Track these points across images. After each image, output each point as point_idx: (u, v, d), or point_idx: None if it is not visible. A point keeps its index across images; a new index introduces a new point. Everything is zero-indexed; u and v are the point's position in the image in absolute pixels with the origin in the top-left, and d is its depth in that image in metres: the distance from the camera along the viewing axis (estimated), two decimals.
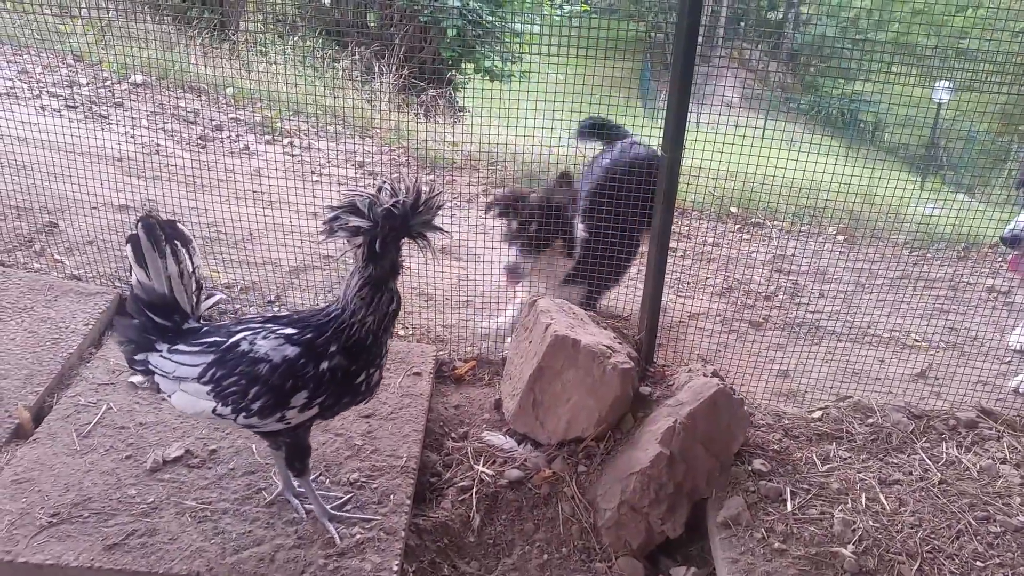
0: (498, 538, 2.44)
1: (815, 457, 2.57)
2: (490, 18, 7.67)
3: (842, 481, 2.46)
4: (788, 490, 2.40)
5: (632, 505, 2.44)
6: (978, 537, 2.30)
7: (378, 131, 5.24)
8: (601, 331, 2.90)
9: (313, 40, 7.11)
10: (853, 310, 3.95)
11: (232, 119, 5.45)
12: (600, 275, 3.26)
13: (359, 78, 6.13)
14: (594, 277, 3.26)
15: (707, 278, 4.31)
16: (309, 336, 1.88)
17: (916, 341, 3.74)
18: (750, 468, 2.50)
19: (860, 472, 2.51)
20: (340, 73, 6.06)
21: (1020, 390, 3.28)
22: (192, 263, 1.96)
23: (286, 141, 5.17)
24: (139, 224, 1.87)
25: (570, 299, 3.21)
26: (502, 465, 2.63)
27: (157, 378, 1.97)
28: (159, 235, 1.88)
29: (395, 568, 2.11)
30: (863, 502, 2.38)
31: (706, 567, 2.38)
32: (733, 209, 5.04)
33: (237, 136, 5.21)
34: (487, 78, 7.86)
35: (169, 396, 1.97)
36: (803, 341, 3.60)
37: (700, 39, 2.40)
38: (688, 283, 4.22)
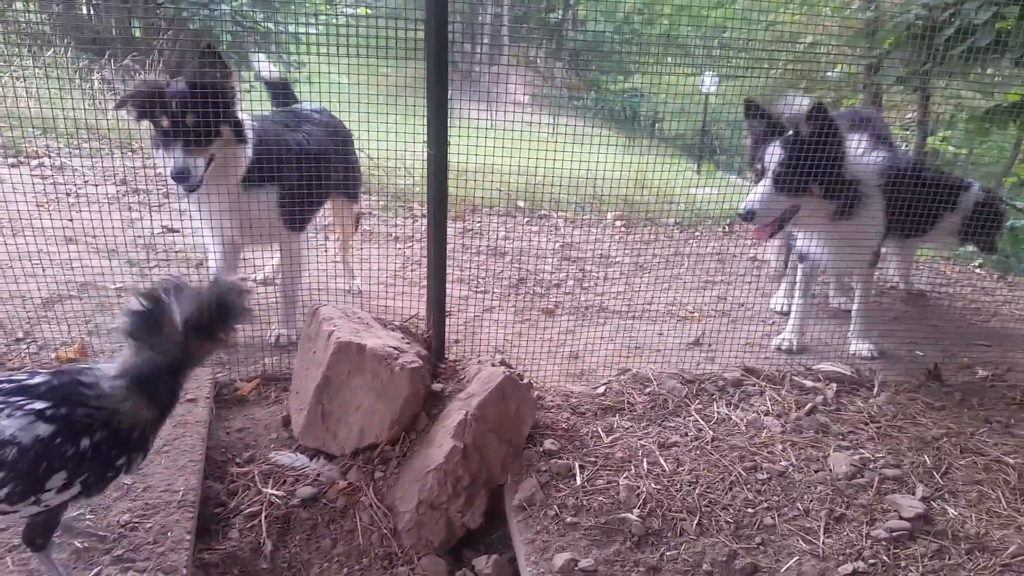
0: (293, 560, 2.32)
1: (600, 430, 2.67)
2: (267, 24, 7.37)
3: (625, 449, 2.58)
4: (577, 465, 2.48)
5: (431, 503, 2.42)
6: (748, 486, 2.49)
7: (142, 146, 4.86)
8: (388, 333, 2.85)
9: (66, 53, 6.48)
10: (634, 289, 4.19)
11: None
12: (292, 180, 3.05)
13: (121, 90, 5.65)
14: (284, 180, 3.03)
15: (501, 271, 4.39)
16: (65, 410, 1.66)
17: (690, 312, 4.03)
18: (541, 449, 2.55)
19: (641, 439, 2.65)
20: (95, 85, 5.55)
21: (781, 347, 3.61)
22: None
23: (35, 163, 4.66)
24: None
25: (259, 210, 3.02)
26: (293, 484, 2.51)
27: None
28: None
29: None
30: (645, 467, 2.50)
31: (508, 552, 2.40)
32: (520, 203, 5.18)
33: None
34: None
35: None
36: (591, 323, 3.76)
37: (451, 35, 2.42)
38: (483, 278, 4.28)
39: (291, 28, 7.04)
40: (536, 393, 2.76)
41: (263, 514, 2.37)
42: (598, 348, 3.37)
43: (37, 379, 1.71)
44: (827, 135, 3.09)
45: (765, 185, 3.20)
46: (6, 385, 1.70)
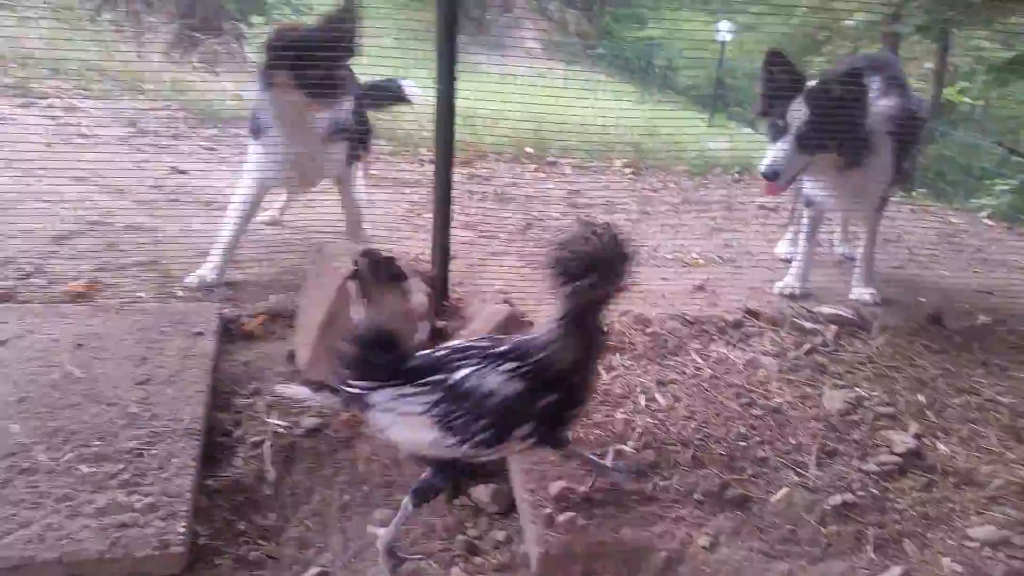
0: (296, 487, 2.39)
1: (600, 368, 2.71)
2: None
3: (623, 386, 2.62)
4: None
5: None
6: (742, 421, 2.53)
7: (151, 87, 4.87)
8: None
9: None
10: (640, 236, 4.19)
11: None
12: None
13: (128, 31, 5.63)
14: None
15: (507, 217, 4.41)
16: (533, 371, 1.89)
17: (695, 259, 4.04)
18: None
19: (640, 376, 2.69)
20: (104, 27, 5.53)
21: (784, 292, 3.61)
22: (416, 299, 2.08)
23: (44, 103, 4.68)
24: (363, 259, 1.98)
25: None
26: (297, 416, 2.56)
27: (378, 413, 1.99)
28: (380, 272, 2.01)
29: (181, 530, 2.01)
30: (642, 402, 2.55)
31: (505, 482, 2.46)
32: (528, 149, 5.16)
33: None
34: None
35: (384, 429, 2.01)
36: None
37: None
38: (489, 224, 4.30)
39: None
40: None
41: (267, 443, 2.44)
42: None
43: (504, 347, 1.96)
44: (857, 97, 3.06)
45: (788, 143, 3.16)
46: (477, 350, 1.98)
